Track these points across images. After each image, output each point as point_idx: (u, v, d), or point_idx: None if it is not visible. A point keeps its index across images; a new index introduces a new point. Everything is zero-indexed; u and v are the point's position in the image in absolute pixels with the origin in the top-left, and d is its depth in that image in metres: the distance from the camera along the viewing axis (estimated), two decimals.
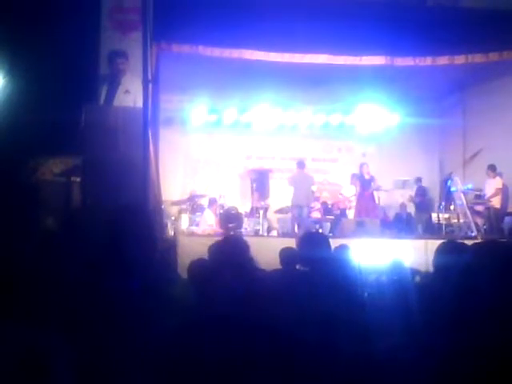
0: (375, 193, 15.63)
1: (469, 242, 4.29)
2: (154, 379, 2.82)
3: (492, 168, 13.86)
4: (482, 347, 2.26)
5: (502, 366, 2.20)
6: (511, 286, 2.28)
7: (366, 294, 4.11)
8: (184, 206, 14.30)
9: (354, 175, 15.23)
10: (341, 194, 15.99)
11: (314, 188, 14.68)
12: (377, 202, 15.73)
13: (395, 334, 3.76)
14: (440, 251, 4.27)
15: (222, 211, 14.25)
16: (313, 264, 4.40)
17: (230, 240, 3.59)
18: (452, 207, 14.14)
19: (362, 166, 14.79)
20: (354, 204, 14.98)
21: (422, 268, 6.22)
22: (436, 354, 2.86)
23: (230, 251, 3.24)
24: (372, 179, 14.58)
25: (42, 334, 2.39)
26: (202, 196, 14.75)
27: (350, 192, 15.36)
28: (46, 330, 2.42)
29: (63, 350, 2.40)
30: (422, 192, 15.78)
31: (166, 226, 12.61)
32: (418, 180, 15.81)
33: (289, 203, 14.37)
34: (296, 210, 13.66)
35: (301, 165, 14.23)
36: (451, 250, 4.27)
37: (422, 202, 15.62)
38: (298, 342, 3.02)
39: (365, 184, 14.48)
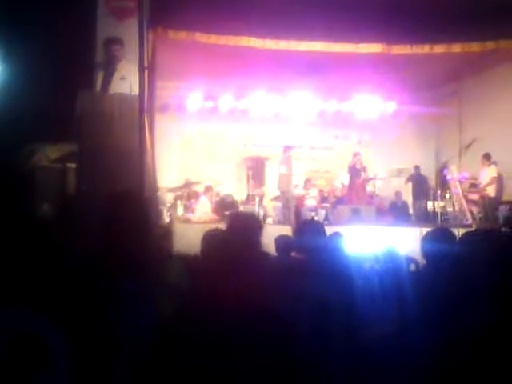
0: (372, 181, 15.70)
1: (463, 230, 4.32)
2: (151, 372, 2.85)
3: (487, 157, 13.91)
4: (474, 334, 2.29)
5: (492, 352, 2.23)
6: (501, 274, 2.31)
7: (360, 281, 4.13)
8: (179, 193, 14.32)
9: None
10: (340, 183, 16.02)
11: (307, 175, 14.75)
12: (373, 190, 15.79)
13: (389, 321, 3.79)
14: (427, 239, 4.31)
15: (217, 198, 14.29)
16: (308, 252, 4.42)
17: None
18: (447, 195, 14.18)
19: (354, 155, 14.86)
20: None
21: (417, 256, 6.24)
22: (429, 342, 2.89)
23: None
24: (363, 169, 14.62)
25: (36, 323, 2.41)
26: (197, 183, 14.76)
27: (346, 180, 15.41)
28: (39, 319, 2.44)
29: (57, 342, 2.42)
30: (419, 180, 15.81)
31: (162, 212, 12.63)
32: (416, 168, 15.83)
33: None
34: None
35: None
36: (439, 237, 4.31)
37: (419, 190, 15.66)
38: (293, 329, 3.05)
39: (356, 173, 14.54)
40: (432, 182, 16.06)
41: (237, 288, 2.93)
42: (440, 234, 4.41)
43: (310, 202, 14.95)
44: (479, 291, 2.31)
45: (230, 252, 3.24)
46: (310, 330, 3.26)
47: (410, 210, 15.69)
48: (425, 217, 14.37)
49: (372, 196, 15.57)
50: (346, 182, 15.16)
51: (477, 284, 2.30)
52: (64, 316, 2.64)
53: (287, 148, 14.24)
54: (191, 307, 3.02)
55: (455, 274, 2.57)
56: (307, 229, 4.76)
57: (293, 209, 13.56)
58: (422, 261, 4.98)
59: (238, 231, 3.38)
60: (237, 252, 3.21)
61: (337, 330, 3.49)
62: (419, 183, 15.79)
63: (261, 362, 2.83)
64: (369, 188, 15.45)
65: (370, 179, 15.08)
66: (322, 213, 14.78)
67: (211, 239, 4.15)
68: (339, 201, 15.23)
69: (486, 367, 2.21)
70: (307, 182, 15.38)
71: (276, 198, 14.99)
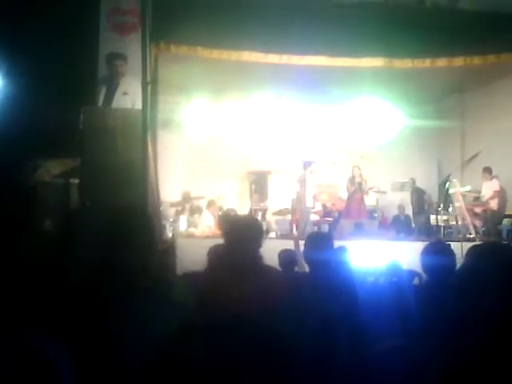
0: (375, 195, 15.68)
1: (467, 244, 4.31)
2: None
3: (488, 170, 13.90)
4: (481, 349, 2.26)
5: (500, 366, 2.21)
6: (505, 288, 2.29)
7: (364, 296, 4.11)
8: (182, 208, 14.30)
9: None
10: (338, 197, 16.01)
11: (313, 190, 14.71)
12: (375, 204, 15.77)
13: (393, 335, 3.76)
14: (426, 252, 4.30)
15: (220, 213, 14.26)
16: (314, 264, 4.41)
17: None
18: (450, 209, 14.15)
19: (353, 168, 14.87)
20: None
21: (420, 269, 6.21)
22: (434, 356, 2.86)
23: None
24: (363, 182, 14.62)
25: (39, 335, 2.39)
26: (200, 198, 14.75)
27: (346, 194, 15.37)
28: (43, 331, 2.42)
29: (61, 354, 2.40)
30: (417, 192, 15.78)
31: (165, 227, 12.61)
32: (412, 181, 15.77)
33: (287, 205, 14.46)
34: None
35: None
36: (437, 250, 4.30)
37: (417, 202, 15.64)
38: (297, 345, 3.02)
39: (356, 186, 14.54)
40: (435, 195, 16.02)
41: (242, 302, 2.92)
42: (437, 248, 4.41)
43: (313, 216, 14.91)
44: (486, 304, 2.29)
45: (234, 265, 3.22)
46: (315, 344, 3.23)
47: (413, 224, 15.66)
48: (427, 230, 14.33)
49: (374, 210, 15.55)
50: (346, 194, 15.13)
51: (484, 297, 2.28)
52: (67, 332, 2.62)
53: (307, 163, 14.20)
54: (196, 323, 2.99)
55: (461, 287, 2.55)
56: (315, 241, 4.74)
57: (307, 223, 13.55)
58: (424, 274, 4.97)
59: (239, 237, 3.36)
60: (241, 264, 3.20)
61: (342, 344, 3.47)
62: (417, 196, 15.75)
63: (264, 376, 2.81)
64: (370, 202, 15.42)
65: (369, 189, 15.03)
66: (326, 227, 14.76)
67: (216, 253, 4.14)
68: (340, 215, 15.18)
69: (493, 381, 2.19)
70: (313, 198, 15.35)
71: (279, 212, 14.99)
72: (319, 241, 4.71)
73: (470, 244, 4.42)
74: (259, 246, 3.63)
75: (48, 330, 2.44)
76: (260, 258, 3.60)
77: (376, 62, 12.12)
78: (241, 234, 3.51)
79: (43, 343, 2.28)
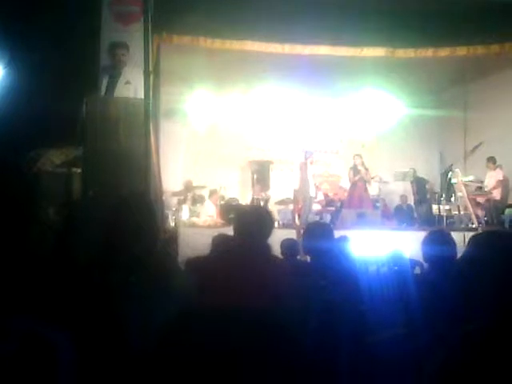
0: (378, 184, 15.69)
1: (469, 234, 4.31)
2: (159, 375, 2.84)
3: (492, 160, 13.91)
4: (484, 335, 2.28)
5: (499, 354, 2.22)
6: (506, 275, 2.30)
7: (366, 284, 4.13)
8: (184, 197, 14.32)
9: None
10: (340, 187, 16.03)
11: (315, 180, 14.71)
12: (377, 193, 15.78)
13: (395, 324, 3.77)
14: (426, 241, 4.31)
15: (222, 202, 14.29)
16: (315, 254, 4.42)
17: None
18: (453, 199, 14.15)
19: (354, 157, 14.86)
20: None
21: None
22: (436, 343, 2.88)
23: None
24: (365, 171, 14.60)
25: (42, 327, 2.40)
26: (202, 187, 14.77)
27: (348, 183, 15.37)
28: (45, 323, 2.43)
29: (63, 345, 2.41)
30: (419, 182, 15.76)
31: (167, 216, 12.64)
32: (414, 171, 15.73)
33: (289, 195, 14.49)
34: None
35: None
36: (438, 239, 4.31)
37: (420, 192, 15.62)
38: (299, 332, 3.04)
39: (357, 174, 14.54)
40: (437, 185, 16.01)
41: (244, 292, 2.93)
42: (438, 236, 4.41)
43: (316, 206, 14.93)
44: (488, 291, 2.30)
45: (243, 256, 3.23)
46: (318, 333, 3.25)
47: (415, 214, 15.67)
48: (429, 220, 14.34)
49: (377, 200, 15.55)
50: (348, 184, 15.13)
51: (485, 284, 2.29)
52: (70, 321, 2.63)
53: (308, 153, 14.18)
54: (198, 312, 3.01)
55: (463, 274, 2.57)
56: (315, 231, 4.75)
57: (310, 213, 13.59)
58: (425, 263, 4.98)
59: (251, 228, 3.37)
60: (251, 255, 3.20)
61: (344, 333, 3.48)
62: (419, 185, 15.73)
63: (268, 366, 2.82)
64: (373, 191, 15.43)
65: (372, 178, 15.04)
66: (328, 217, 14.79)
67: (223, 243, 4.16)
68: (342, 204, 15.19)
69: (494, 370, 2.20)
70: (315, 188, 15.35)
71: (281, 202, 15.02)
72: (318, 230, 4.71)
73: (472, 234, 4.43)
74: (269, 236, 3.64)
75: (50, 317, 2.45)
76: (269, 248, 3.62)
77: (378, 51, 12.11)
78: (253, 226, 3.51)
79: (44, 328, 2.29)
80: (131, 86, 10.71)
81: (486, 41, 12.13)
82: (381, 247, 9.02)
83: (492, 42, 12.19)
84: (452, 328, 2.87)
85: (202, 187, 14.78)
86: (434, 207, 14.55)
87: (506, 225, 12.90)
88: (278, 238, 6.82)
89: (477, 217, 13.17)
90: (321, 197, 15.46)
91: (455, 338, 2.35)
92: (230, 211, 12.96)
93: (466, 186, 13.75)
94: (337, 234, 6.24)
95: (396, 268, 5.02)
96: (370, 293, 4.04)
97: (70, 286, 2.90)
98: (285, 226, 13.18)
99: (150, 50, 10.06)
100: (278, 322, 2.83)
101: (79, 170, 11.01)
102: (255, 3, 11.05)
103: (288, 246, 6.62)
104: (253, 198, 14.55)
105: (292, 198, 14.72)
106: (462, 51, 12.27)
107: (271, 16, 11.05)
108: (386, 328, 3.80)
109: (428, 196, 15.51)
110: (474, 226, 12.76)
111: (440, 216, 13.88)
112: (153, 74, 10.24)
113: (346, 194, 15.38)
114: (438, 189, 15.23)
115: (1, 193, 3.07)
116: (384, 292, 4.24)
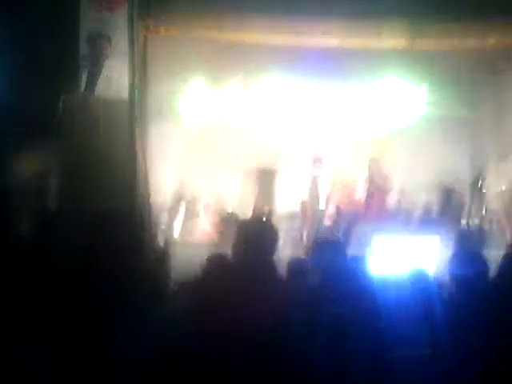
0: (395, 194, 15.65)
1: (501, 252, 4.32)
2: None
3: None
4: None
5: None
6: None
7: (387, 305, 4.16)
8: (176, 211, 14.31)
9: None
10: (354, 197, 15.98)
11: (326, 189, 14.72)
12: (397, 203, 15.74)
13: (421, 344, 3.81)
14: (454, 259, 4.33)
15: (219, 217, 14.29)
16: (324, 275, 4.42)
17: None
18: (484, 211, 14.13)
19: (370, 162, 14.85)
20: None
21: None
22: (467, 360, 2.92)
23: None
24: (384, 178, 14.57)
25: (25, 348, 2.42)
26: (195, 199, 14.76)
27: (364, 193, 15.32)
28: (26, 349, 2.45)
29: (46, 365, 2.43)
30: (445, 192, 15.73)
31: (156, 232, 12.63)
32: (440, 180, 15.71)
33: (296, 207, 14.49)
34: None
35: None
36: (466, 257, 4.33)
37: (446, 203, 15.59)
38: (315, 360, 3.05)
39: (374, 183, 14.51)
40: (465, 195, 15.97)
41: (245, 321, 2.93)
42: (466, 254, 4.43)
43: (326, 221, 14.90)
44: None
45: (247, 279, 3.24)
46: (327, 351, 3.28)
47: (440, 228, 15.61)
48: (456, 234, 14.29)
49: (396, 210, 15.50)
50: (364, 194, 15.09)
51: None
52: (53, 340, 2.64)
53: (317, 159, 14.17)
54: (194, 344, 3.02)
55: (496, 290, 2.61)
56: (324, 249, 4.75)
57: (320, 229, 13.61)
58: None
59: (254, 247, 3.38)
60: (256, 277, 3.21)
61: (365, 354, 3.52)
62: (445, 195, 15.69)
63: None
64: (392, 201, 15.39)
65: (391, 188, 15.02)
66: (340, 232, 14.76)
67: (221, 263, 4.16)
68: (358, 217, 15.15)
69: None
70: (326, 200, 15.33)
71: (286, 216, 14.99)
72: (329, 248, 4.72)
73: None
74: (273, 254, 3.65)
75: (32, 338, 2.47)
76: (274, 267, 3.63)
77: (397, 42, 12.14)
78: (255, 242, 3.52)
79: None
80: (113, 82, 10.73)
81: None
82: (402, 263, 9.02)
83: None
84: (486, 343, 2.92)
85: (197, 199, 14.78)
86: (462, 221, 14.51)
87: None
88: (283, 255, 6.83)
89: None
90: (332, 209, 15.41)
91: (490, 353, 2.41)
92: (229, 226, 12.96)
93: (499, 196, 13.74)
94: (352, 251, 6.25)
95: (419, 286, 5.04)
96: (389, 311, 4.05)
97: (43, 305, 2.91)
98: (291, 242, 13.17)
99: (136, 42, 10.09)
100: (286, 352, 2.86)
101: (54, 181, 11.01)
102: None
103: (296, 265, 6.61)
104: (254, 211, 14.55)
105: (299, 210, 14.69)
106: (492, 41, 12.29)
107: (273, 2, 11.07)
108: (409, 347, 3.84)
109: (455, 208, 15.48)
110: (508, 242, 12.73)
111: (469, 230, 13.85)
112: (139, 69, 10.26)
113: (361, 206, 15.34)
114: (466, 200, 15.21)
115: None
116: (407, 310, 4.26)
